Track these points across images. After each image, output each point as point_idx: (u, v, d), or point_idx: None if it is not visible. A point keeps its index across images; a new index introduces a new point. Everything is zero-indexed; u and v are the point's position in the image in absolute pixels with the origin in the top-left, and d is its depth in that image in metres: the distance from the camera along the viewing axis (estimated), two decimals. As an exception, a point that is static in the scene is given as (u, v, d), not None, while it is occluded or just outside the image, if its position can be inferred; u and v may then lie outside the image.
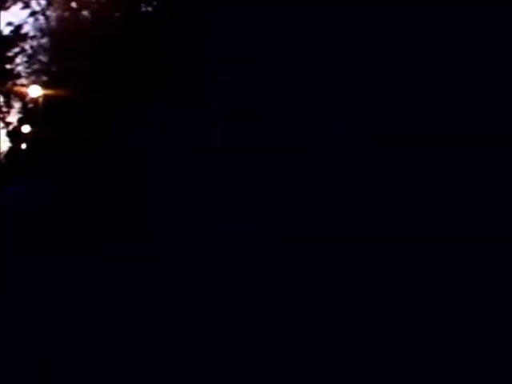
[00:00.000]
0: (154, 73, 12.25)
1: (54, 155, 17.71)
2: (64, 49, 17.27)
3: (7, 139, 23.30)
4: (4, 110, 23.70)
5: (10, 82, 23.16)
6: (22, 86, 22.43)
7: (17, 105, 23.48)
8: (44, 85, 19.98)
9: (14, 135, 22.46)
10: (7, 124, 23.81)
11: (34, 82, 21.25)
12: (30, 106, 22.68)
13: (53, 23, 18.10)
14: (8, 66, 23.17)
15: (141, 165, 10.77)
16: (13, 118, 23.69)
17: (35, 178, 18.30)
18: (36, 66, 21.84)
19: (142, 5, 13.63)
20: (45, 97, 19.65)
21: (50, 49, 19.23)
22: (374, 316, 3.91)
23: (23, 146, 21.87)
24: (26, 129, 22.37)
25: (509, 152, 4.99)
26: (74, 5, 16.97)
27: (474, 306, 3.97)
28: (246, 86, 8.00)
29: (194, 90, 9.35)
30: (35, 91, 20.36)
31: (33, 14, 18.53)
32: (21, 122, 23.15)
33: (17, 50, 22.57)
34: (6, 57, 23.08)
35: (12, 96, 23.39)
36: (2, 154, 23.66)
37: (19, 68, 22.96)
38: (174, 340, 3.66)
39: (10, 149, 22.17)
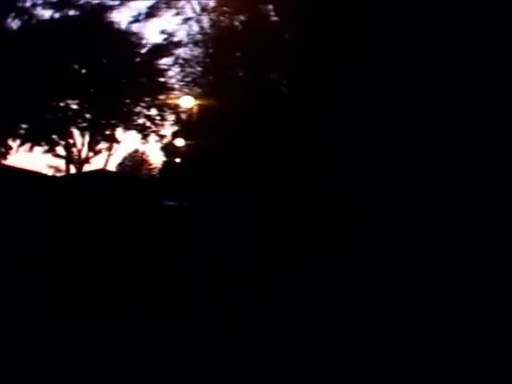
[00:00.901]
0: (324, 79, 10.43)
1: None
2: (220, 57, 16.15)
3: (162, 153, 22.97)
4: (158, 123, 23.45)
5: (164, 95, 22.81)
6: (175, 98, 21.91)
7: (170, 118, 23.09)
8: (197, 96, 19.14)
9: (168, 149, 22.03)
10: (161, 137, 23.52)
11: (187, 94, 20.54)
12: (184, 118, 22.12)
13: (207, 30, 17.04)
14: (161, 79, 22.86)
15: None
16: (167, 131, 23.25)
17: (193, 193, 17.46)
18: (189, 78, 21.16)
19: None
20: (199, 108, 18.77)
21: (204, 58, 18.30)
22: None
23: (177, 160, 21.29)
24: (180, 142, 21.79)
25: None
26: (229, 9, 15.66)
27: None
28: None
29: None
30: (188, 103, 19.55)
31: (186, 20, 17.67)
32: (175, 135, 22.69)
33: (169, 59, 22.11)
34: (159, 69, 22.78)
35: (165, 109, 23.04)
36: (157, 169, 23.44)
37: (172, 80, 22.53)
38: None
39: (165, 163, 21.75)
